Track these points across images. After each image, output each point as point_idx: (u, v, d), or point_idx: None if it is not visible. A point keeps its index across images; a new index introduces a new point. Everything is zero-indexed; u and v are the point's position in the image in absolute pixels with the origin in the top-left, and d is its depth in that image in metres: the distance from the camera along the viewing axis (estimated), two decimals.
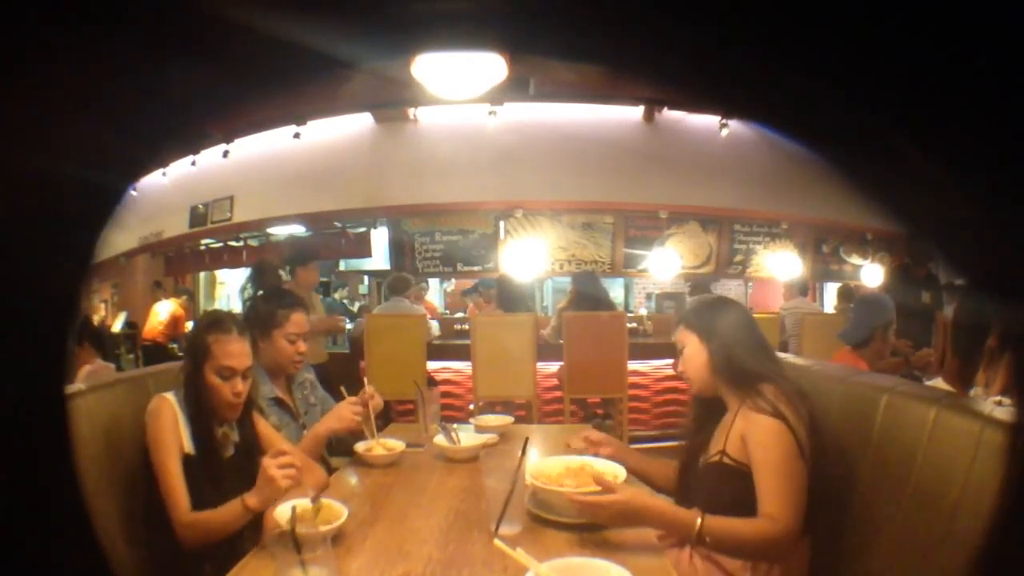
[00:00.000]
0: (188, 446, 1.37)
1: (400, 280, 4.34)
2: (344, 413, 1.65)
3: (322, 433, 1.65)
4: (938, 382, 1.91)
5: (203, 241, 6.12)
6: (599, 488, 1.23)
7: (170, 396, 1.40)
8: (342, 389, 1.74)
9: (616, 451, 1.48)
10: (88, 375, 2.67)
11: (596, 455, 1.43)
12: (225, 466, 1.41)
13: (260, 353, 1.77)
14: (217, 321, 1.48)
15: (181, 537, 1.27)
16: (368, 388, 1.74)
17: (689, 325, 1.42)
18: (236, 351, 1.43)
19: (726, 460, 1.28)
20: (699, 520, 1.12)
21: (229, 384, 1.41)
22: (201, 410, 1.41)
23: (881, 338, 2.29)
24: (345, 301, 7.80)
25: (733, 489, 1.23)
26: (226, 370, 1.41)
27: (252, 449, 1.48)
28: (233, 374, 1.42)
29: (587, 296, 4.00)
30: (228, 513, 1.24)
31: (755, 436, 1.22)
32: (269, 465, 1.21)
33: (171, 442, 1.33)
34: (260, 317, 1.80)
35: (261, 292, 1.95)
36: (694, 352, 1.39)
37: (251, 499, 1.22)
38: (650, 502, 1.16)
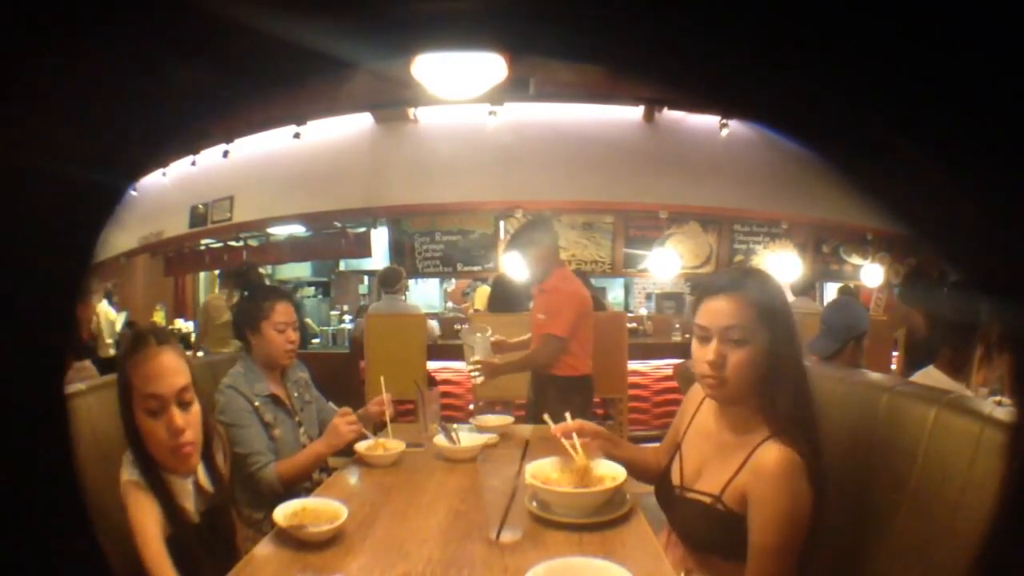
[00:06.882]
0: (167, 526, 1.07)
1: (391, 273, 4.23)
2: (341, 429, 1.65)
3: (324, 452, 1.67)
4: (930, 371, 1.90)
5: (203, 241, 6.12)
6: (600, 488, 1.24)
7: (132, 475, 1.06)
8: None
9: (593, 433, 1.36)
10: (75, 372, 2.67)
11: (578, 439, 1.32)
12: (195, 533, 1.13)
13: (253, 350, 1.81)
14: (131, 340, 1.10)
15: None
16: (384, 395, 1.78)
17: (764, 314, 1.06)
18: (156, 370, 1.04)
19: (719, 507, 1.12)
20: None
21: (162, 420, 1.04)
22: (152, 473, 1.06)
23: (853, 349, 2.12)
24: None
25: (722, 534, 1.11)
26: (151, 400, 1.03)
27: (222, 510, 1.21)
28: (162, 404, 1.04)
29: None
30: None
31: (763, 509, 1.04)
32: None
33: (148, 534, 1.05)
34: (247, 313, 1.82)
35: (246, 292, 1.97)
36: (756, 354, 1.07)
37: None
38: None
